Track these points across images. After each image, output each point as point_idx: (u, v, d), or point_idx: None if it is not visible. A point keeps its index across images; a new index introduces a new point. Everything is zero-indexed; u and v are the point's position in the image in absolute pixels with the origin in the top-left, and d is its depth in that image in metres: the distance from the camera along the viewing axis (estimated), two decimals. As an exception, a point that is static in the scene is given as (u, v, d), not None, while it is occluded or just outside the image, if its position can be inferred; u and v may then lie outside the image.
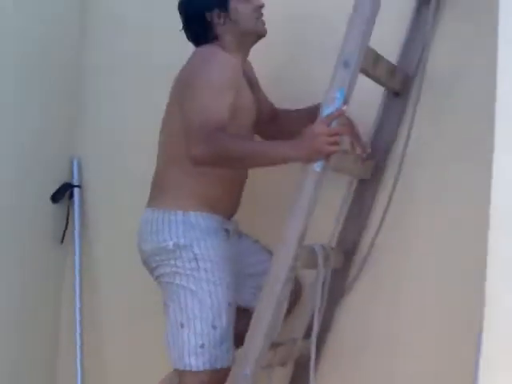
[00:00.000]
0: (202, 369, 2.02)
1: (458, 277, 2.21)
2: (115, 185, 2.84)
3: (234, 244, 2.19)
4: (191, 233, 2.08)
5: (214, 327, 2.03)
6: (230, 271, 2.11)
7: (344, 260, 2.29)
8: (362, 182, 2.32)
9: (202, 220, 2.10)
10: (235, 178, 2.18)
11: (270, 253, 2.16)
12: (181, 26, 2.23)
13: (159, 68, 2.69)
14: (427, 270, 2.27)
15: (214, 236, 2.10)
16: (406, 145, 2.28)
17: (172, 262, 2.07)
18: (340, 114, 1.95)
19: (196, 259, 2.05)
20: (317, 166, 1.93)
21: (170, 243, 2.07)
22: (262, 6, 2.19)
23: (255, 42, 2.22)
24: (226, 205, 2.18)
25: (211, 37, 2.17)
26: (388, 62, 2.21)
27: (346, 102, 1.94)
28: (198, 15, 2.17)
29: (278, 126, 2.37)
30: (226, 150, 1.96)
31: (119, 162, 2.85)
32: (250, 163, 2.08)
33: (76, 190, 2.85)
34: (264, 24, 2.20)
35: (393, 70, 2.25)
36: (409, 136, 2.27)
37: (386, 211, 2.28)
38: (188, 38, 2.23)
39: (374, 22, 1.99)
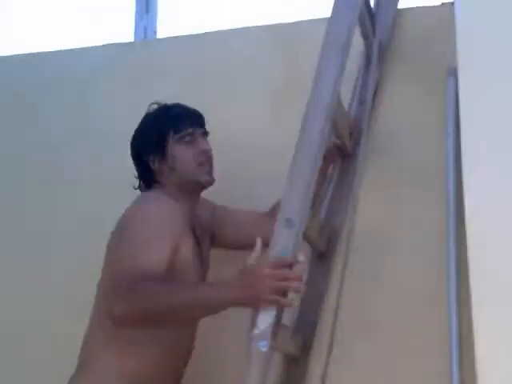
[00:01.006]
0: None
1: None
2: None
3: None
4: None
5: None
6: None
7: None
8: (293, 360, 1.96)
9: None
10: (171, 348, 1.79)
11: None
12: None
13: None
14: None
15: None
16: (335, 316, 1.93)
17: None
18: (292, 264, 1.58)
19: None
20: (263, 346, 1.56)
21: None
22: (205, 151, 1.92)
23: (200, 190, 1.94)
24: (158, 382, 1.76)
25: (153, 182, 1.92)
26: (320, 219, 1.94)
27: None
28: (138, 159, 1.96)
29: None
30: (149, 300, 1.58)
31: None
32: (181, 313, 1.64)
33: None
34: (208, 171, 1.91)
35: (321, 228, 1.98)
36: (338, 305, 1.93)
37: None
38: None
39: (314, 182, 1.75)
